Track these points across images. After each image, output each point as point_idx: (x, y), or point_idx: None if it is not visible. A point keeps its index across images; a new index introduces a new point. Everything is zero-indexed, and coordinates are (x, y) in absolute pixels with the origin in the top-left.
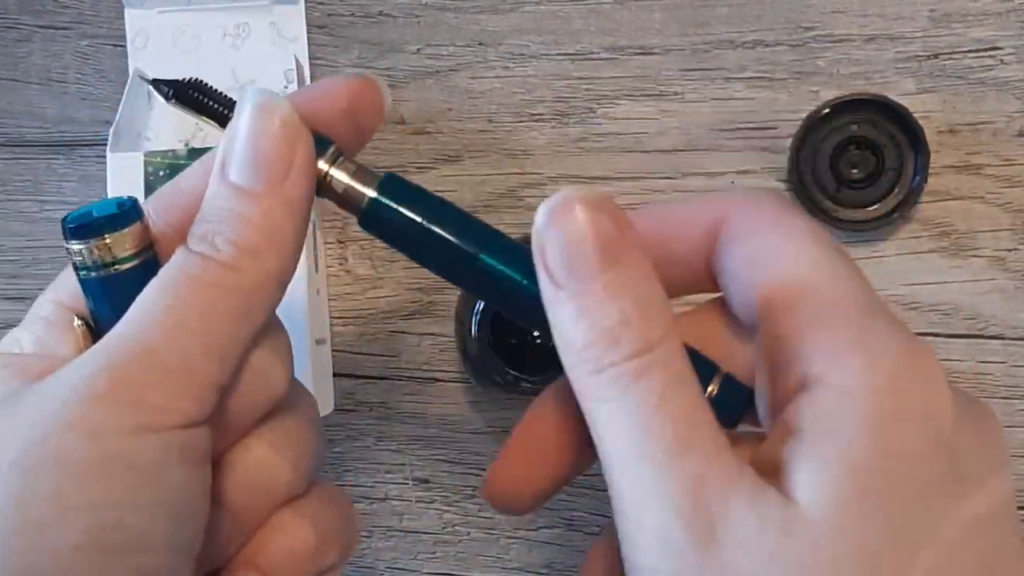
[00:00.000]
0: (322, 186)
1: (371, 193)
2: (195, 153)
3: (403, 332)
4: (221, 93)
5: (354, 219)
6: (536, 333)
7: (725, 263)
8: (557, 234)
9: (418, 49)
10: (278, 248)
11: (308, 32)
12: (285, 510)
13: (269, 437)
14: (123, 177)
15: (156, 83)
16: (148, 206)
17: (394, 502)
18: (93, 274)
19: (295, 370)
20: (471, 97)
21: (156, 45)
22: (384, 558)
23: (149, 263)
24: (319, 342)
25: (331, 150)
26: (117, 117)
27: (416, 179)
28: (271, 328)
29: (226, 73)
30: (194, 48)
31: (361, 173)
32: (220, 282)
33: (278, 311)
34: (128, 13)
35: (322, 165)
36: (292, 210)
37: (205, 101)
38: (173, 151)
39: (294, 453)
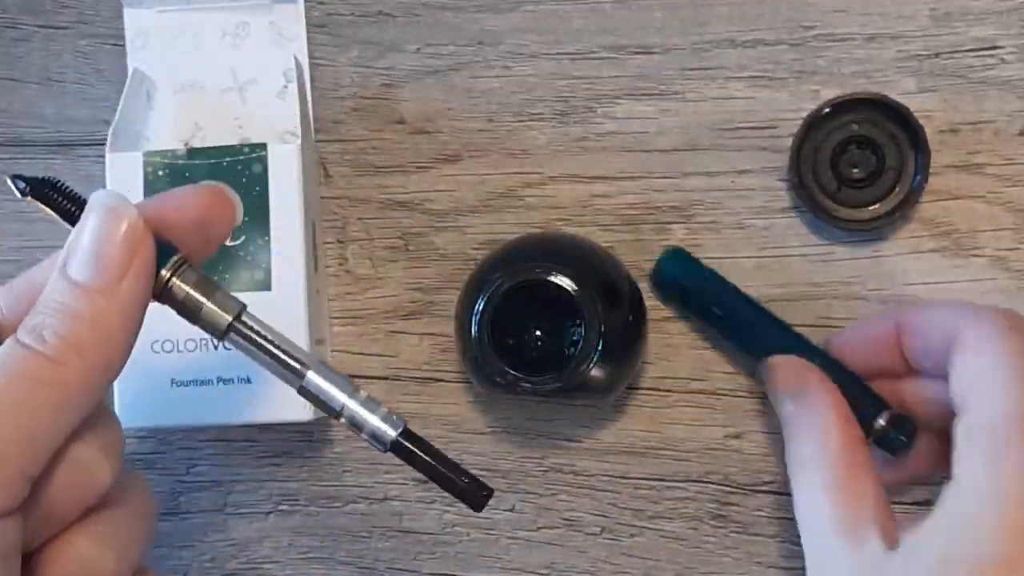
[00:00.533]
0: (163, 293)
1: (211, 305)
2: (195, 153)
3: (403, 332)
4: (75, 193)
5: (353, 218)
6: (538, 333)
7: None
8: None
9: (418, 49)
10: (105, 346)
11: (308, 32)
12: None
13: (92, 530)
14: (122, 177)
15: (13, 178)
16: None
17: (394, 502)
18: None
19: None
20: (471, 97)
21: (155, 45)
22: (384, 558)
23: None
24: (319, 342)
25: (175, 259)
26: (116, 117)
27: (416, 179)
28: (99, 422)
29: (226, 73)
30: (193, 48)
31: (202, 284)
32: (40, 375)
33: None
34: (127, 12)
35: (164, 273)
36: (124, 311)
37: (59, 200)
38: (173, 151)
39: (118, 547)
